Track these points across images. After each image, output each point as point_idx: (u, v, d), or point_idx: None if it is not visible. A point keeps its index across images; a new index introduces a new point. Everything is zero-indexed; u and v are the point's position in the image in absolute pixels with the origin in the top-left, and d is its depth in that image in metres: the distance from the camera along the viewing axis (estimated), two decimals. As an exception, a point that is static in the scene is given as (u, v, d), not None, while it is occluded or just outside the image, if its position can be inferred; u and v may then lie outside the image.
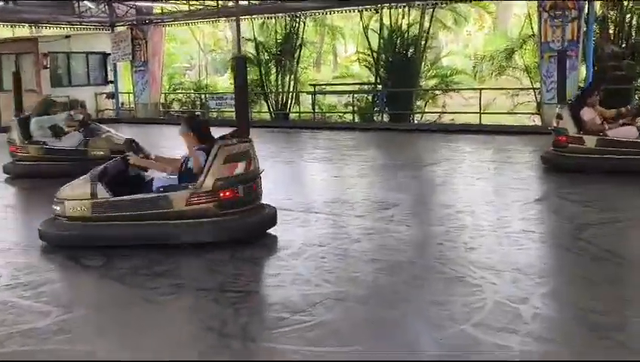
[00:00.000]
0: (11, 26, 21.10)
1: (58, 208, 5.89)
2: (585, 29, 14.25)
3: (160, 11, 21.04)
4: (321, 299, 4.41)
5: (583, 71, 15.00)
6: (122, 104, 23.00)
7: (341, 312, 4.23)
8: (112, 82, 22.50)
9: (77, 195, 5.83)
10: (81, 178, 5.99)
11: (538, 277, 4.85)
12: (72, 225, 5.82)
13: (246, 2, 19.34)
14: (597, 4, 15.27)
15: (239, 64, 6.29)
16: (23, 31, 22.61)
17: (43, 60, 20.88)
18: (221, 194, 5.72)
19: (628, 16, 15.80)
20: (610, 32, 15.76)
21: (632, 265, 5.24)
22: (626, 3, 15.56)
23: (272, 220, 6.19)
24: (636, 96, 14.88)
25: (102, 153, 9.48)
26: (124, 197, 5.76)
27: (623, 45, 15.60)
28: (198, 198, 5.69)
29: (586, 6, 14.29)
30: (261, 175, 6.18)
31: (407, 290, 4.65)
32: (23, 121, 10.15)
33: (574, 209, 7.22)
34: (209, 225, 5.72)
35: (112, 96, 22.48)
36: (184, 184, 5.77)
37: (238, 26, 6.64)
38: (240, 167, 5.86)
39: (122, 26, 21.83)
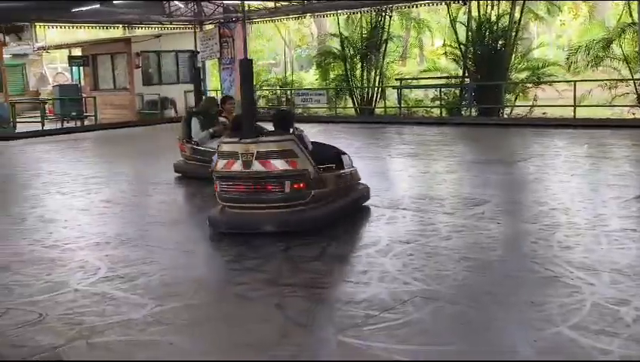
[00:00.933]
0: (106, 28, 21.99)
1: None
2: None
3: (247, 9, 21.39)
4: (409, 297, 4.34)
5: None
6: (210, 101, 23.54)
7: (431, 311, 4.14)
8: (200, 80, 23.07)
9: None
10: None
11: (640, 278, 4.60)
12: None
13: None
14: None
15: (245, 66, 6.47)
16: (116, 32, 23.53)
17: (135, 60, 21.69)
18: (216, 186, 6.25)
19: None
20: None
21: None
22: None
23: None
24: None
25: None
26: None
27: None
28: None
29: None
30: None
31: (499, 290, 4.51)
32: (188, 119, 9.87)
33: (681, 207, 6.82)
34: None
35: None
36: None
37: (244, 27, 6.88)
38: (219, 165, 6.21)
39: (210, 24, 22.36)
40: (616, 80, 18.38)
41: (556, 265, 4.91)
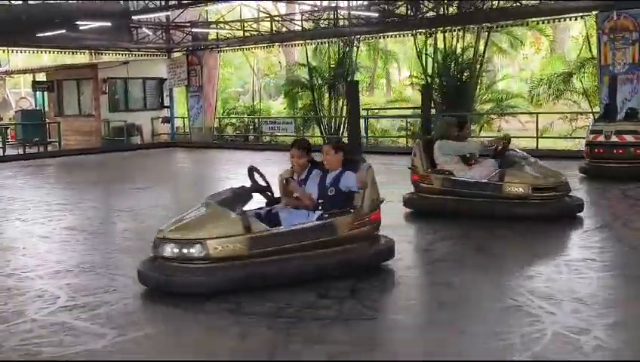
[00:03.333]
0: (72, 53, 21.83)
1: (192, 250, 5.09)
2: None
3: (215, 37, 21.49)
4: (374, 327, 4.33)
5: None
6: (177, 128, 23.49)
7: (397, 342, 4.14)
8: (167, 107, 23.02)
9: (231, 231, 5.12)
10: (212, 211, 5.31)
11: (601, 307, 4.67)
12: (217, 267, 5.12)
13: (299, 27, 19.61)
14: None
15: (351, 89, 6.57)
16: (83, 57, 23.38)
17: (102, 86, 21.55)
18: (375, 216, 5.66)
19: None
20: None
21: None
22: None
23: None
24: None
25: (520, 190, 7.58)
26: (285, 229, 5.35)
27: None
28: (361, 221, 5.53)
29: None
30: None
31: (463, 319, 4.53)
32: (427, 145, 8.28)
33: None
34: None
35: (167, 120, 22.99)
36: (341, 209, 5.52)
37: (353, 44, 7.08)
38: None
39: (178, 52, 22.38)
40: (576, 113, 18.85)
41: (519, 294, 4.95)
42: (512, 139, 8.22)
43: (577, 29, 25.92)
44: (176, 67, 22.24)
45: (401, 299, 4.98)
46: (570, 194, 7.89)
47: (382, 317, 4.55)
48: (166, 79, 22.68)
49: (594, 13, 14.63)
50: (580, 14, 15.70)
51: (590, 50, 17.19)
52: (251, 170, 5.54)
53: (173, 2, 17.32)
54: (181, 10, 19.07)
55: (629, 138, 10.82)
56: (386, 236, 5.92)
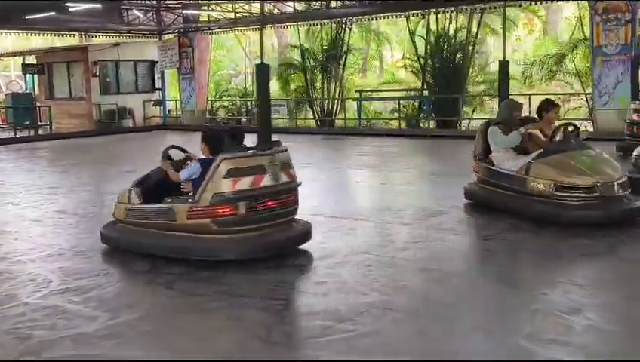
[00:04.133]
0: (62, 35, 21.64)
1: (114, 210, 6.18)
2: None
3: (206, 19, 21.33)
4: (367, 308, 4.33)
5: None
6: (169, 111, 23.37)
7: (388, 322, 4.15)
8: (159, 89, 22.89)
9: (122, 199, 6.07)
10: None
11: (592, 288, 4.69)
12: (117, 228, 6.13)
13: (292, 9, 19.48)
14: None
15: (262, 72, 6.15)
16: (73, 40, 23.18)
17: (92, 68, 21.39)
18: (219, 211, 5.35)
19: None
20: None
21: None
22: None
23: (301, 237, 5.76)
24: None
25: (541, 187, 6.54)
26: (143, 206, 5.83)
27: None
28: (196, 213, 5.42)
29: (641, 9, 13.94)
30: (295, 189, 5.72)
31: (456, 300, 4.55)
32: (485, 130, 7.50)
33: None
34: (229, 242, 5.44)
35: (159, 103, 22.87)
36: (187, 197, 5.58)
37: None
38: (244, 182, 5.36)
39: (170, 34, 22.21)
40: (569, 94, 18.86)
41: (512, 276, 4.98)
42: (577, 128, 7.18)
43: (570, 10, 25.84)
44: (168, 49, 22.09)
45: (395, 279, 4.98)
46: (629, 196, 6.57)
47: (374, 297, 4.55)
48: (157, 61, 22.52)
49: (587, -7, 14.60)
50: (573, -5, 15.66)
51: (583, 32, 17.19)
52: (166, 150, 6.20)
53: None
54: (172, -8, 18.93)
55: (635, 117, 11.13)
56: (305, 223, 5.89)
